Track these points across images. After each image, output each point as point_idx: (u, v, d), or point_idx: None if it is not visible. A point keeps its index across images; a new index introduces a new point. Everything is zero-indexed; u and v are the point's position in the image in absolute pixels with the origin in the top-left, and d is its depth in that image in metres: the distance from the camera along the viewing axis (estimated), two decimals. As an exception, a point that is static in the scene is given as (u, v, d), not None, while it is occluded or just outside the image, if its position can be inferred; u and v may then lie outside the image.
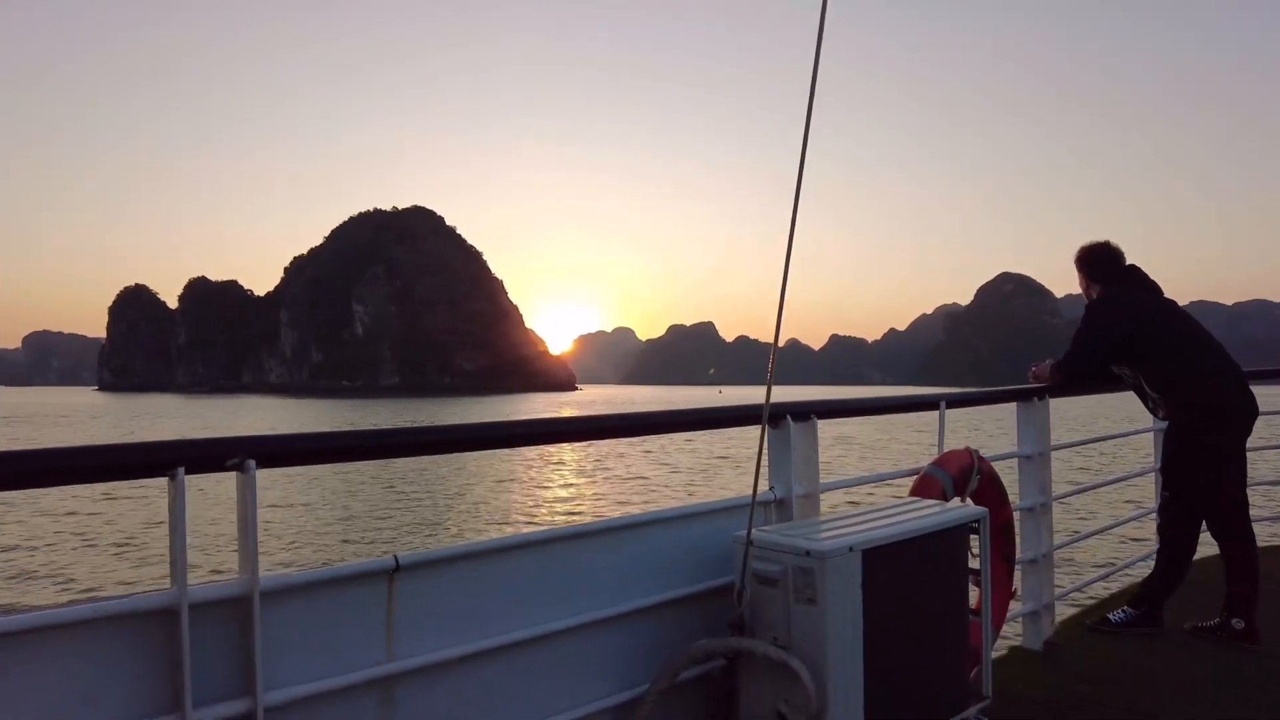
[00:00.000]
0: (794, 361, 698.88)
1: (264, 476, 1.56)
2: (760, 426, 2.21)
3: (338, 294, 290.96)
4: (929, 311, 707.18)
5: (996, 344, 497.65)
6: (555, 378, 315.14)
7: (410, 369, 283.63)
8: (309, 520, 18.69)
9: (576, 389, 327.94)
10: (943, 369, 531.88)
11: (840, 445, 35.55)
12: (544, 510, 20.46)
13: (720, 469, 28.34)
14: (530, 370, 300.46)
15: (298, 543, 16.04)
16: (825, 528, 2.29)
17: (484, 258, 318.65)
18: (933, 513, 2.44)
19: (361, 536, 16.90)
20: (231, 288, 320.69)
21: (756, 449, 2.15)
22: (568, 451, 34.13)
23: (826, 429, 2.68)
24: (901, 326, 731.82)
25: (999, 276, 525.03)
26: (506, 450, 25.46)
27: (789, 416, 2.62)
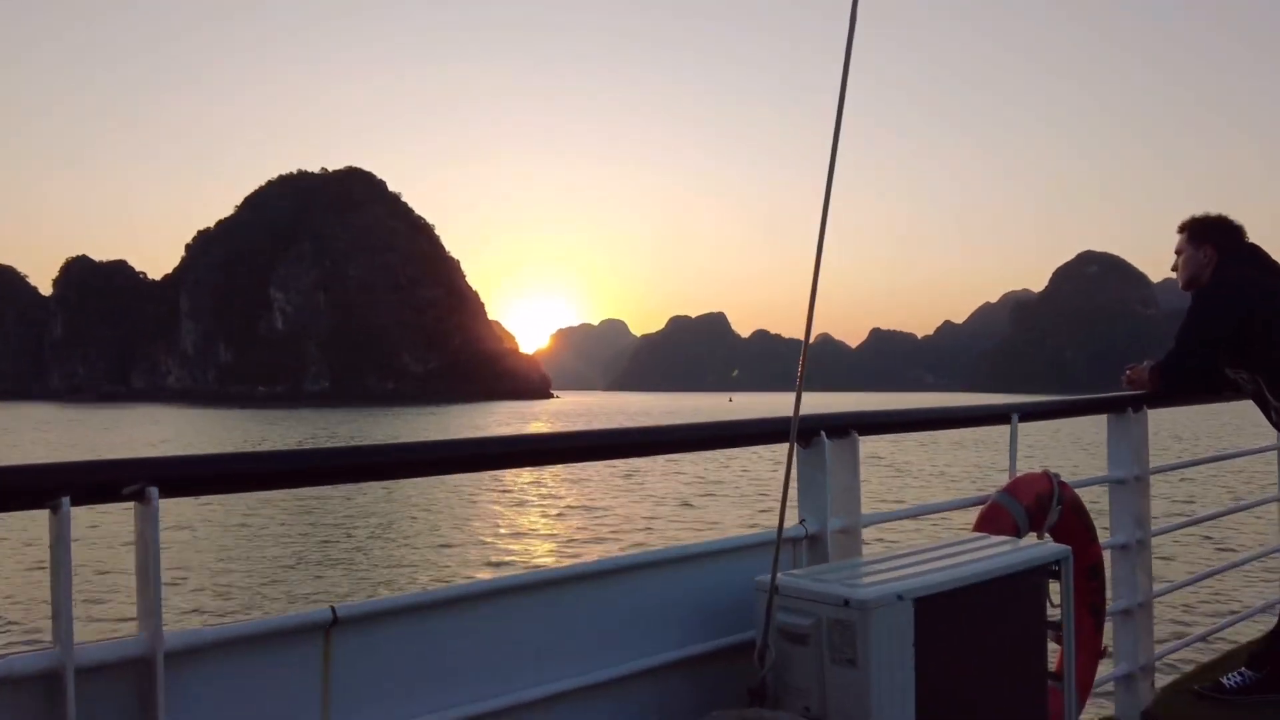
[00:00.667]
0: (826, 362, 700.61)
1: (169, 508, 1.54)
2: (788, 445, 2.20)
3: (252, 277, 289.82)
4: (993, 300, 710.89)
5: (1078, 340, 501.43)
6: (525, 382, 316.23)
7: (343, 371, 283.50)
8: (225, 562, 18.86)
9: (552, 396, 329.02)
10: (1011, 371, 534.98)
11: (885, 467, 35.20)
12: (515, 550, 20.64)
13: (737, 495, 28.14)
14: (494, 373, 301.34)
15: (211, 590, 16.17)
16: (868, 571, 2.29)
17: (436, 232, 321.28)
18: (1002, 552, 2.43)
19: (290, 582, 17.10)
20: (119, 270, 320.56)
21: (783, 473, 2.14)
22: (544, 476, 34.26)
23: (870, 447, 2.69)
24: (959, 319, 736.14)
25: (1080, 256, 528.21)
26: (466, 475, 26.18)
27: (823, 433, 2.62)
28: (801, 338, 1.94)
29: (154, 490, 1.56)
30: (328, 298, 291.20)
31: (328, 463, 1.93)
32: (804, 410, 2.19)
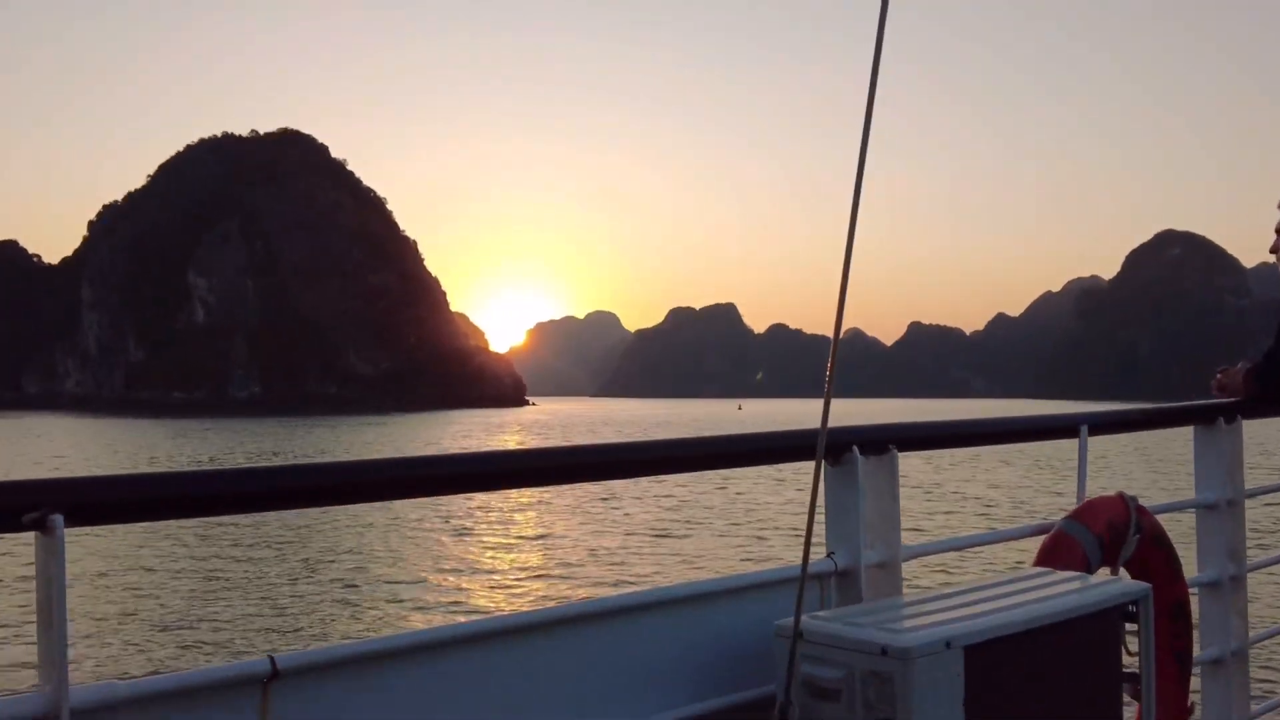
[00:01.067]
0: (856, 362, 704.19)
1: (75, 538, 1.54)
2: (814, 463, 2.16)
3: (168, 261, 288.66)
4: (1055, 289, 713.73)
5: (1156, 336, 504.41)
6: (495, 387, 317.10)
7: (277, 373, 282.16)
8: (142, 602, 18.62)
9: (527, 403, 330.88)
10: (1076, 373, 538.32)
11: (926, 488, 34.57)
12: (485, 587, 20.44)
13: (753, 522, 27.63)
14: (458, 376, 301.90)
15: (125, 635, 16.07)
16: (910, 613, 2.29)
17: (389, 207, 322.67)
18: (1069, 590, 2.43)
19: (221, 626, 17.05)
20: (8, 251, 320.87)
21: (808, 496, 2.12)
22: (522, 499, 33.93)
23: (910, 466, 2.67)
24: (1014, 311, 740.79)
25: (1159, 237, 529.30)
26: (428, 500, 26.48)
27: (856, 448, 2.63)
28: (826, 333, 1.93)
29: (58, 518, 1.56)
30: (258, 285, 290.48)
31: (265, 486, 1.93)
32: (833, 420, 2.17)
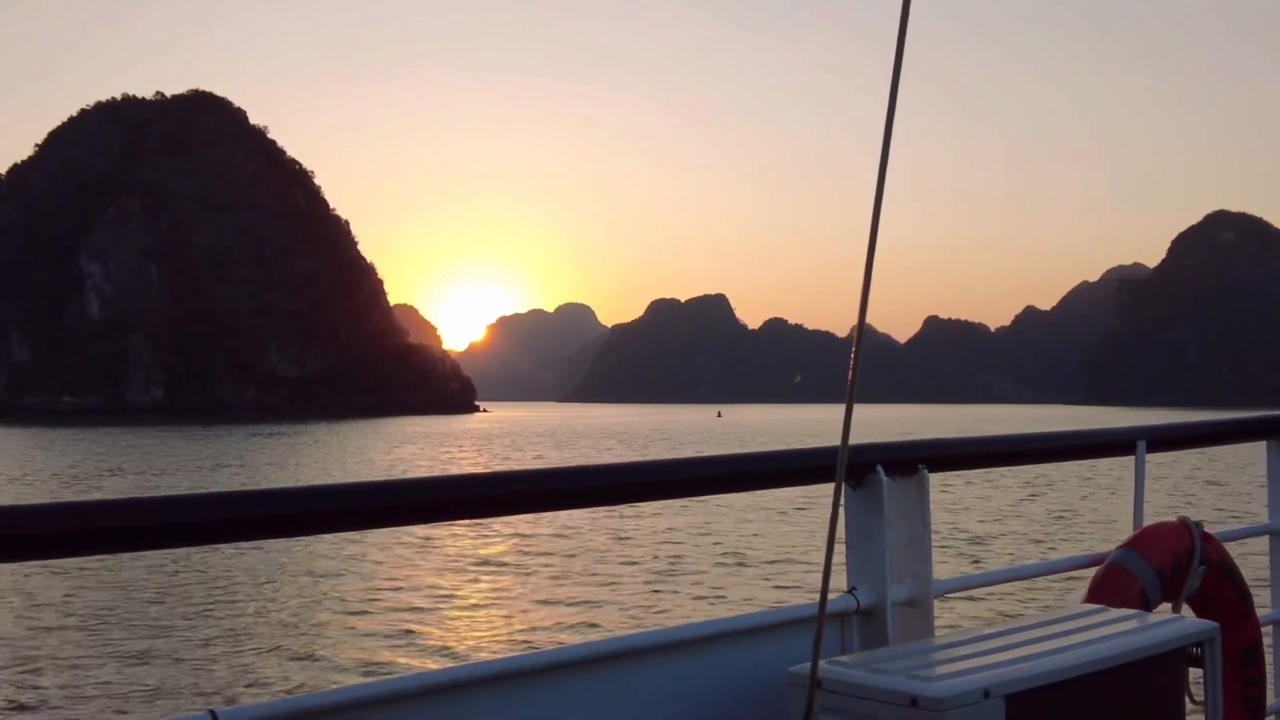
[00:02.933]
0: (864, 362, 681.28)
1: None
2: (834, 485, 2.13)
3: (57, 245, 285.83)
4: (1092, 279, 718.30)
5: (1206, 331, 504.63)
6: (440, 390, 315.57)
7: (184, 375, 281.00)
8: (65, 644, 19.94)
9: (476, 409, 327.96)
10: (1119, 375, 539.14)
11: (958, 511, 35.39)
12: (454, 629, 21.35)
13: (767, 550, 28.42)
14: (395, 377, 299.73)
15: (46, 681, 17.30)
16: (943, 657, 2.31)
17: (317, 182, 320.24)
18: (1125, 630, 2.45)
19: (153, 672, 18.01)
20: None
21: (827, 523, 2.11)
22: (499, 527, 34.79)
23: (938, 484, 2.83)
24: (1046, 304, 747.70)
25: (1209, 219, 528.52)
26: (382, 530, 27.97)
27: (881, 469, 2.64)
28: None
29: None
30: (163, 272, 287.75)
31: (214, 515, 1.94)
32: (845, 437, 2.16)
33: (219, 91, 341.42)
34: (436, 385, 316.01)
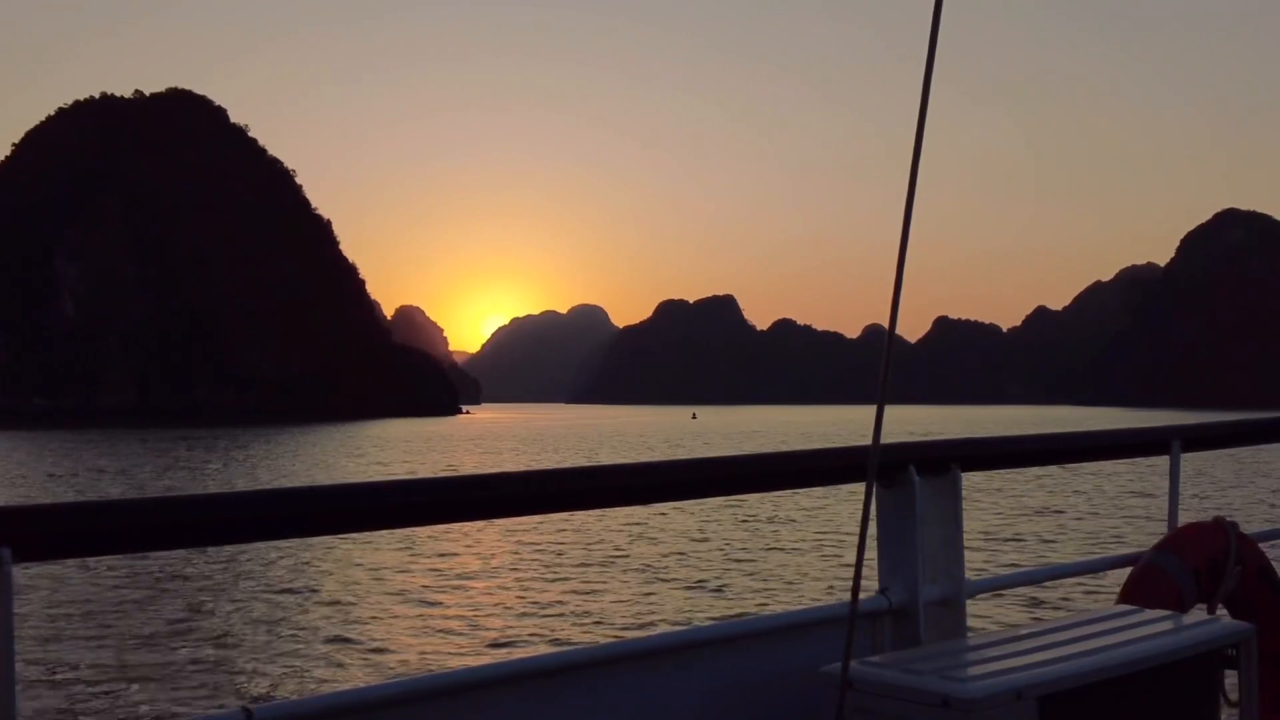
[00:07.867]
0: (875, 363, 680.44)
1: (25, 572, 1.81)
2: (865, 485, 2.14)
3: (31, 244, 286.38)
4: (1105, 279, 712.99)
5: (1215, 330, 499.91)
6: (427, 392, 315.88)
7: (161, 377, 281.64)
8: (98, 641, 20.44)
9: (460, 411, 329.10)
10: (1131, 376, 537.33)
11: (988, 509, 35.98)
12: (483, 627, 21.73)
13: (798, 549, 29.32)
14: (379, 379, 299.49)
15: (81, 677, 17.76)
16: (975, 658, 2.30)
17: (298, 181, 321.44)
18: (1160, 632, 2.46)
19: (189, 669, 18.47)
20: None
21: (859, 523, 2.11)
22: (519, 524, 34.57)
23: (967, 483, 2.88)
24: (1057, 304, 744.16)
25: (1219, 217, 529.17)
26: (390, 531, 29.45)
27: (913, 468, 2.65)
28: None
29: (5, 552, 1.58)
30: (141, 273, 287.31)
31: (245, 513, 1.96)
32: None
33: (198, 89, 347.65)
34: (425, 387, 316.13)
